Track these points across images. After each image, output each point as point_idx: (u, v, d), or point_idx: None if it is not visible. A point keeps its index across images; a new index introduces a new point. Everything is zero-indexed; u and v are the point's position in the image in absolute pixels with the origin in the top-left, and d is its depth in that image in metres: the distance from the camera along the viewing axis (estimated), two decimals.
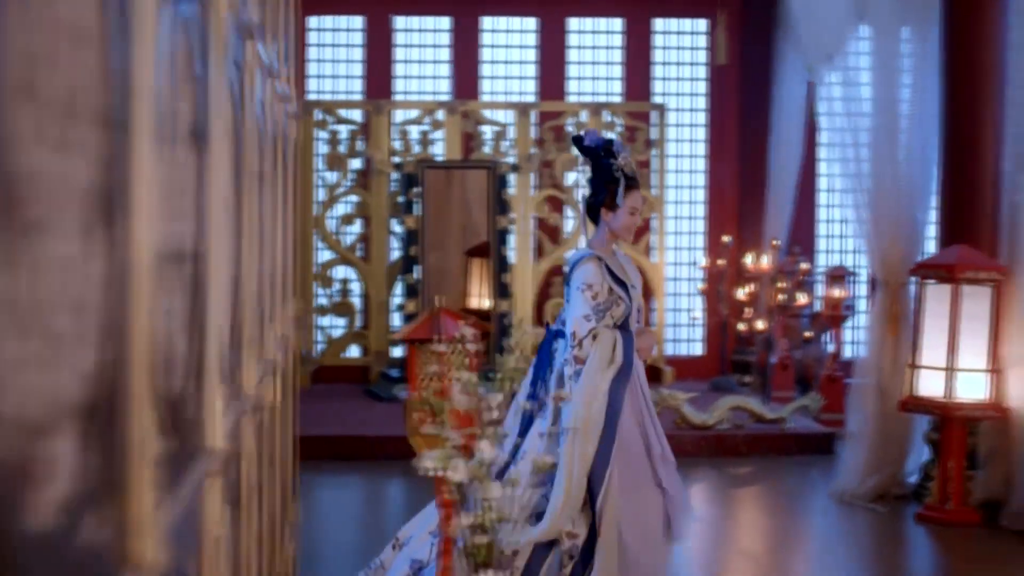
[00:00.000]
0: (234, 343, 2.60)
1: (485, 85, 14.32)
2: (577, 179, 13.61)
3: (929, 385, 8.34)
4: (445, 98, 14.02)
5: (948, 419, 8.22)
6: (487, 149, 13.42)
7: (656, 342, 5.72)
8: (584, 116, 13.59)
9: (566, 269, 5.63)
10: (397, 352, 12.76)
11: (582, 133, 5.58)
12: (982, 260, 8.29)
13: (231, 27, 2.41)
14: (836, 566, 7.53)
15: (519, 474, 5.23)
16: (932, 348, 8.35)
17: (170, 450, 1.62)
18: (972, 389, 8.24)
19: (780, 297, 11.95)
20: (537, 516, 5.17)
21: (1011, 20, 8.30)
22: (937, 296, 8.36)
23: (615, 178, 5.41)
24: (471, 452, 3.73)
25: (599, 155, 5.46)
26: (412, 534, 5.51)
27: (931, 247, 9.95)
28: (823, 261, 13.97)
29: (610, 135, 5.69)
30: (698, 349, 14.52)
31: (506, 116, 13.56)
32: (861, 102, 9.24)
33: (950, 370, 8.21)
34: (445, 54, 14.27)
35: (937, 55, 8.89)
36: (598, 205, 5.46)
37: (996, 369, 8.24)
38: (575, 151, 13.33)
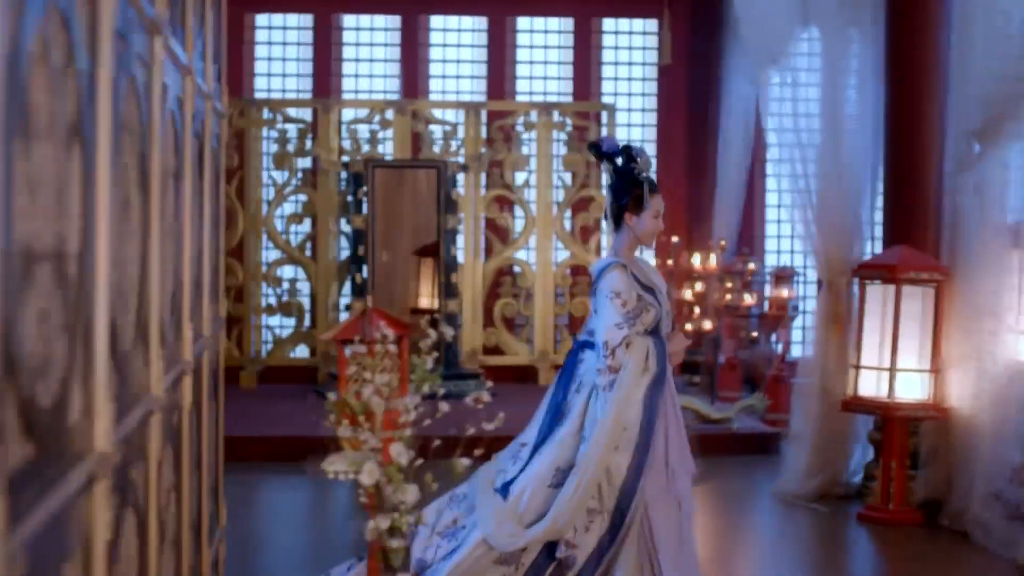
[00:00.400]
0: (136, 343, 2.55)
1: (434, 84, 14.29)
2: (527, 179, 13.60)
3: (871, 385, 8.36)
4: (393, 97, 13.98)
5: (889, 419, 8.24)
6: (436, 148, 13.38)
7: (687, 345, 5.61)
8: (533, 116, 13.57)
9: (592, 277, 5.51)
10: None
11: (599, 140, 5.52)
12: (923, 261, 8.31)
13: (130, 21, 2.36)
14: (777, 566, 7.53)
15: (522, 491, 5.23)
16: (874, 348, 8.37)
17: (38, 454, 1.57)
18: (913, 389, 8.27)
19: (727, 297, 11.97)
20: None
21: (953, 21, 8.33)
22: (878, 296, 8.38)
23: (639, 181, 5.37)
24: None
25: (619, 160, 5.42)
26: (419, 532, 5.42)
27: (875, 247, 9.97)
28: (772, 261, 14.01)
29: (623, 140, 5.62)
30: None
31: (455, 115, 13.53)
32: (806, 103, 9.25)
33: (891, 370, 8.23)
34: (393, 53, 14.23)
35: (880, 56, 8.91)
36: (622, 210, 5.39)
37: (937, 369, 8.27)
38: (522, 152, 13.36)
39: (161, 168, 2.89)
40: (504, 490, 5.29)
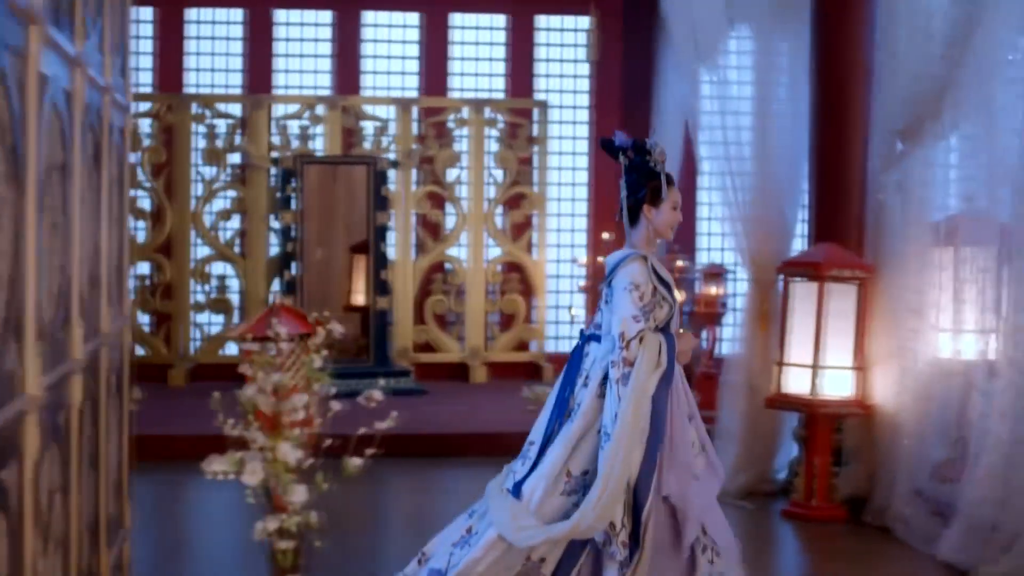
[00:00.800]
0: (7, 341, 2.48)
1: (366, 80, 14.20)
2: (459, 175, 13.55)
3: (796, 382, 8.38)
4: (325, 93, 13.88)
5: (814, 416, 8.26)
6: (368, 145, 13.31)
7: (696, 346, 5.53)
8: (466, 112, 13.53)
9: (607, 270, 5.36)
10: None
11: (612, 136, 5.42)
12: (848, 258, 8.34)
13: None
14: None
15: (533, 489, 5.16)
16: (799, 345, 8.39)
17: None
18: (837, 386, 8.30)
19: None
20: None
21: (879, 21, 8.35)
22: (804, 294, 8.40)
23: (655, 173, 5.32)
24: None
25: (633, 154, 5.35)
26: (437, 548, 5.41)
27: (804, 246, 9.99)
28: (706, 259, 14.03)
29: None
30: None
31: (387, 112, 13.46)
32: (735, 101, 9.26)
33: (816, 367, 8.25)
34: (326, 48, 14.13)
35: (808, 55, 8.93)
36: (639, 203, 5.33)
37: (861, 367, 8.30)
38: (455, 149, 13.30)
39: (40, 162, 2.81)
40: (516, 490, 5.23)
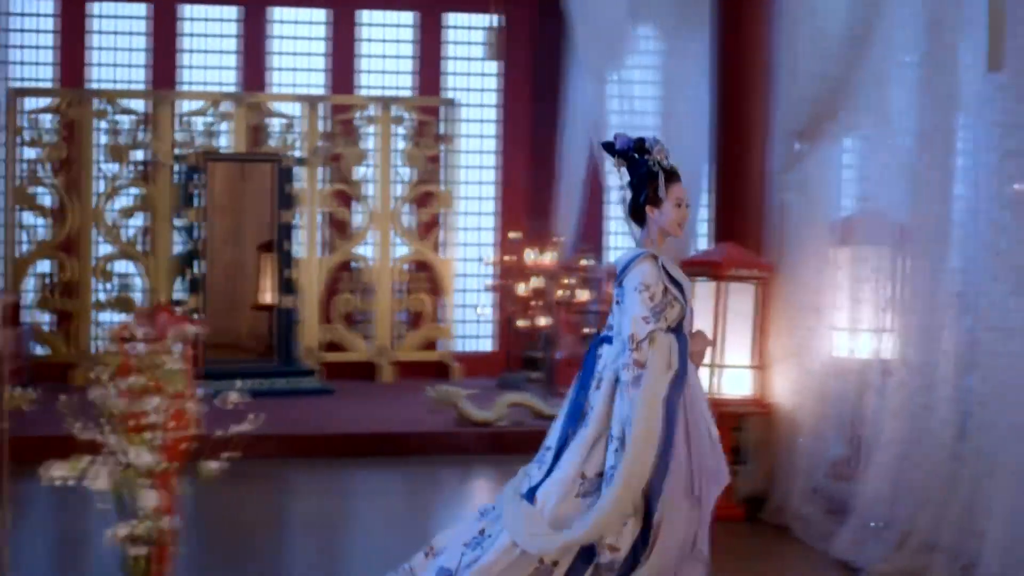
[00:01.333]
0: None
1: (273, 77, 14.08)
2: (367, 173, 13.46)
3: None
4: (232, 89, 13.73)
5: (713, 415, 8.25)
6: (274, 142, 13.18)
7: (710, 345, 5.40)
8: (374, 110, 13.45)
9: (616, 271, 5.26)
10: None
11: (613, 139, 5.33)
12: (747, 258, 8.36)
13: None
14: None
15: (548, 496, 5.06)
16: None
17: None
18: (737, 385, 8.31)
19: (560, 293, 11.97)
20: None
21: (779, 22, 8.39)
22: (704, 293, 8.40)
23: (654, 172, 5.22)
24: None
25: (633, 155, 5.27)
26: (447, 544, 5.30)
27: (706, 245, 10.04)
28: (613, 258, 14.05)
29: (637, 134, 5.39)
30: (488, 345, 14.51)
31: (294, 109, 13.36)
32: (638, 100, 9.28)
33: (715, 367, 8.26)
34: (232, 44, 13.97)
35: (711, 56, 8.96)
36: (642, 204, 5.24)
37: (760, 366, 8.33)
38: (363, 146, 13.20)
39: None
40: (530, 495, 5.13)
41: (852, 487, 7.44)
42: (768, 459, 8.41)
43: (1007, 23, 5.89)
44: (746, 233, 8.66)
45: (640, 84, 9.29)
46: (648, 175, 5.23)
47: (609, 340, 5.20)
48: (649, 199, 5.23)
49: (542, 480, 5.14)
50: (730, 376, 8.29)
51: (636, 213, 5.28)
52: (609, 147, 5.35)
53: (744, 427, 8.67)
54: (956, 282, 6.96)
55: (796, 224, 8.29)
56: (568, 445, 5.13)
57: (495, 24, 13.04)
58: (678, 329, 5.13)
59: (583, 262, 12.42)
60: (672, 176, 5.26)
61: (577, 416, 5.18)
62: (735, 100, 8.78)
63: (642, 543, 5.03)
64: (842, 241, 7.91)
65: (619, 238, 14.31)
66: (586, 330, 11.89)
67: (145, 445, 3.47)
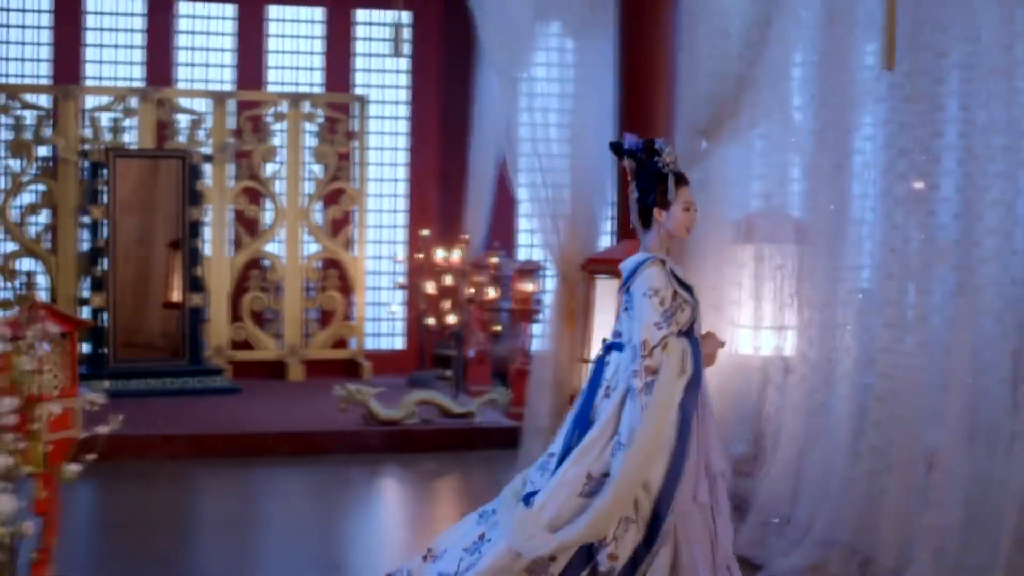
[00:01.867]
0: None
1: (181, 72, 13.92)
2: (277, 170, 13.35)
3: None
4: (139, 84, 13.56)
5: None
6: (182, 138, 13.03)
7: (722, 346, 5.30)
8: (284, 106, 13.34)
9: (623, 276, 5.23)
10: (85, 348, 12.28)
11: (621, 139, 5.26)
12: None
13: None
14: None
15: (546, 500, 5.00)
16: (602, 342, 8.39)
17: None
18: None
19: (469, 291, 11.94)
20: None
21: (681, 21, 8.41)
22: (606, 290, 8.44)
23: (664, 175, 5.15)
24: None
25: (642, 157, 5.19)
26: (447, 548, 5.24)
27: (612, 242, 10.05)
28: (526, 256, 14.05)
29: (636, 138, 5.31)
30: (399, 343, 14.46)
31: (203, 105, 13.22)
32: (544, 98, 9.25)
33: None
34: (139, 39, 13.80)
35: (615, 54, 8.98)
36: (650, 207, 5.18)
37: None
38: (272, 143, 13.09)
39: None
40: (527, 499, 5.09)
41: (753, 483, 7.48)
42: None
43: (900, 23, 5.94)
44: None
45: (547, 81, 9.27)
46: (658, 177, 5.17)
47: (618, 347, 5.14)
48: (657, 202, 5.17)
49: (543, 485, 5.11)
50: None
51: (643, 215, 5.22)
52: (616, 147, 5.30)
53: None
54: (856, 279, 7.01)
55: (698, 222, 8.30)
56: (571, 451, 5.08)
57: (401, 21, 12.96)
58: (689, 332, 5.08)
59: (492, 260, 12.39)
60: (681, 179, 5.20)
61: (584, 424, 5.12)
62: (640, 98, 8.81)
63: (644, 550, 4.98)
64: (744, 239, 7.95)
65: (533, 235, 14.34)
66: (496, 328, 11.88)
67: (2, 448, 3.39)
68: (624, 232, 8.75)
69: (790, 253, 7.58)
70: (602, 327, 8.41)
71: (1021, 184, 5.75)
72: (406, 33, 14.07)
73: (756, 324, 7.81)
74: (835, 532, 6.75)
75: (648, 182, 5.18)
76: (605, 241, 9.66)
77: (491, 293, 12.19)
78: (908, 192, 5.81)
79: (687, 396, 4.96)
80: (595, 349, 8.42)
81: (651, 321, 4.94)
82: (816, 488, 6.98)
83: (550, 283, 12.30)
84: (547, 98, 9.25)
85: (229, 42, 13.99)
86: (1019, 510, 5.55)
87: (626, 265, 5.23)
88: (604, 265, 8.39)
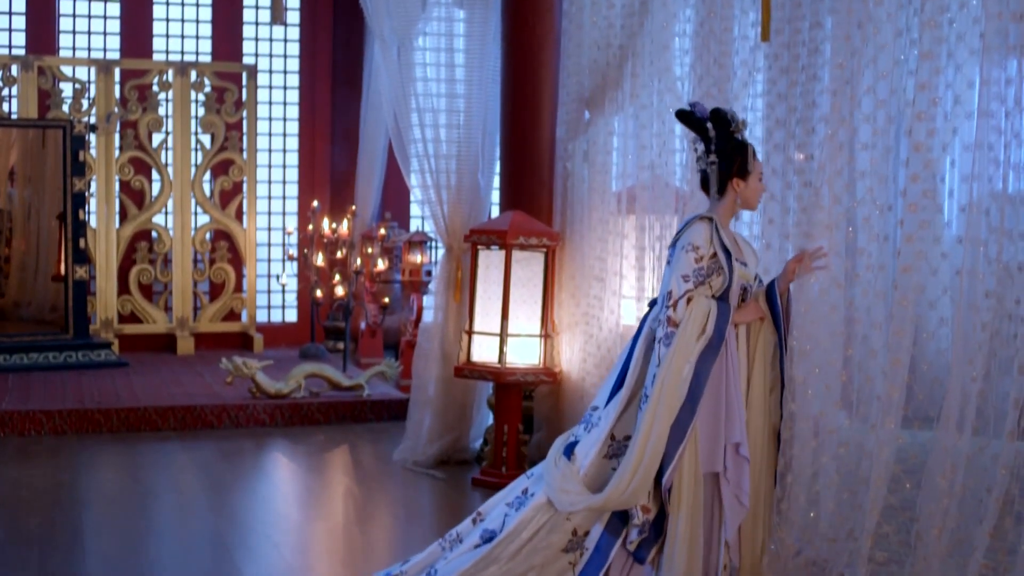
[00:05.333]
0: None
1: (65, 40, 13.62)
2: (165, 141, 13.12)
3: (484, 350, 8.36)
4: (20, 52, 13.24)
5: (502, 384, 8.27)
6: (66, 108, 12.76)
7: (759, 316, 5.19)
8: (171, 75, 13.11)
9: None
10: None
11: (691, 107, 5.20)
12: (534, 226, 8.36)
13: None
14: (389, 535, 7.49)
15: (585, 454, 5.02)
16: (487, 314, 8.38)
17: None
18: (525, 354, 8.32)
19: (359, 263, 11.84)
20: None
21: None
22: (491, 262, 8.40)
23: (744, 145, 5.16)
24: None
25: (714, 126, 5.15)
26: (494, 508, 5.25)
27: (498, 213, 10.01)
28: (417, 227, 13.97)
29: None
30: (292, 316, 14.34)
31: (87, 73, 12.95)
32: (429, 67, 9.17)
33: (504, 336, 8.25)
34: (20, 5, 13.47)
35: (499, 24, 8.91)
36: (728, 176, 5.15)
37: (548, 334, 8.35)
38: (159, 113, 12.86)
39: None
40: (568, 452, 5.11)
41: None
42: (558, 428, 8.43)
43: None
44: (534, 201, 8.66)
45: (433, 51, 9.18)
46: (738, 146, 5.18)
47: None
48: (736, 172, 5.18)
49: (584, 439, 5.14)
50: (516, 345, 8.29)
51: (720, 184, 5.19)
52: (687, 115, 5.25)
53: (535, 396, 8.71)
54: None
55: (582, 192, 8.33)
56: (608, 404, 5.14)
57: None
58: (723, 298, 5.07)
59: (381, 231, 12.30)
60: (753, 151, 5.23)
61: (622, 378, 5.15)
62: (525, 68, 8.75)
63: (662, 515, 5.02)
64: (627, 209, 7.96)
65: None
66: (386, 300, 11.80)
67: None
68: (510, 202, 8.70)
69: (671, 224, 7.58)
70: (487, 298, 8.37)
71: (894, 151, 5.78)
72: (292, 1, 13.90)
73: (639, 295, 7.81)
74: None
75: (730, 151, 5.18)
76: (494, 212, 9.61)
77: (380, 265, 12.10)
78: (785, 163, 5.82)
79: (703, 358, 4.96)
80: (478, 320, 8.42)
81: (680, 273, 5.00)
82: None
83: (436, 254, 12.31)
84: (435, 67, 9.16)
85: (114, 9, 13.70)
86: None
87: (683, 222, 5.27)
88: (487, 236, 8.34)
